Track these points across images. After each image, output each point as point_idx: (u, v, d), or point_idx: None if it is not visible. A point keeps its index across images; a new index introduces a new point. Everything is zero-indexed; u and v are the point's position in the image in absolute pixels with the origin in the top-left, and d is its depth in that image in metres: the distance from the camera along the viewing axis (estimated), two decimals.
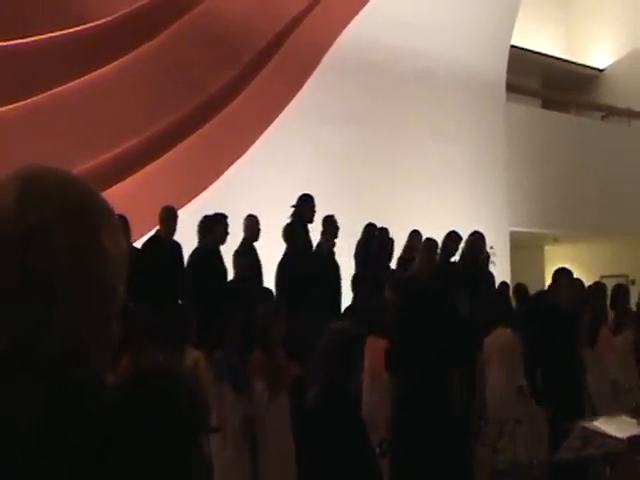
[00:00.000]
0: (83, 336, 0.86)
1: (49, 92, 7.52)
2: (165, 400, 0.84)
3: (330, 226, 7.45)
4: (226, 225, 6.91)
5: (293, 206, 7.38)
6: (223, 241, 6.92)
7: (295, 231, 7.19)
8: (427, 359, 4.48)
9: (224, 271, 6.80)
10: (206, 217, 6.88)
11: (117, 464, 0.79)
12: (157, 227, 7.65)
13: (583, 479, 5.20)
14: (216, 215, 6.90)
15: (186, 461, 0.84)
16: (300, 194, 7.47)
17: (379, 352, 5.09)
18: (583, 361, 5.96)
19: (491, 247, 8.44)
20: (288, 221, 7.30)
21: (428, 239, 7.80)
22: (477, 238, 7.62)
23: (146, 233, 7.79)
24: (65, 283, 0.84)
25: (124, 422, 0.81)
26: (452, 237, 7.73)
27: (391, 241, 8.07)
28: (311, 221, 7.40)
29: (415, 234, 8.15)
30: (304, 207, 7.35)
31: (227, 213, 7.07)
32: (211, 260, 6.72)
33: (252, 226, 7.21)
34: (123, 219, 6.45)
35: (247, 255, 6.97)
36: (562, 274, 5.83)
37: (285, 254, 7.11)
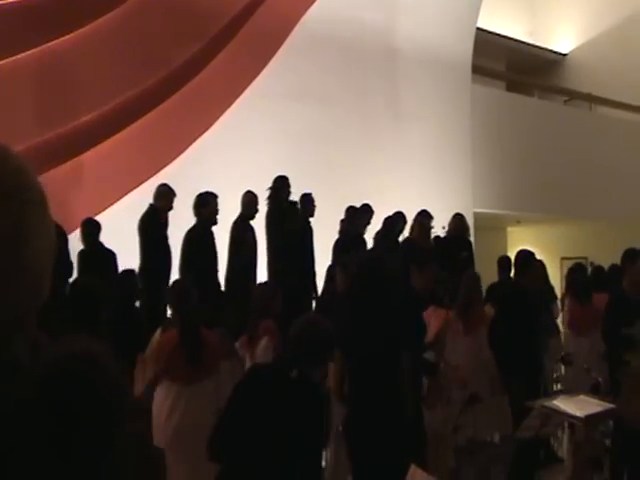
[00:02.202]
0: (4, 321, 0.81)
1: (5, 60, 7.30)
2: (83, 386, 0.81)
3: (308, 204, 7.60)
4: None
5: (269, 188, 7.42)
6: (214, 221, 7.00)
7: (274, 215, 7.32)
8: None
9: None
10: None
11: (32, 449, 0.75)
12: (117, 202, 7.62)
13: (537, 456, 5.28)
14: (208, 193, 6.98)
15: (102, 448, 0.80)
16: (275, 176, 7.50)
17: (440, 320, 5.60)
18: (543, 342, 6.05)
19: (443, 227, 8.64)
20: (266, 205, 7.40)
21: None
22: (462, 217, 8.43)
23: (106, 207, 7.69)
24: None
25: (41, 408, 0.77)
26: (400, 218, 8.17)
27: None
28: (286, 201, 7.47)
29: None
30: (281, 189, 7.42)
31: (190, 191, 7.06)
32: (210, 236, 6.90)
33: (249, 202, 7.28)
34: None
35: (247, 232, 7.13)
36: (527, 256, 5.86)
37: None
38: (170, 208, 6.91)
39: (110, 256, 6.70)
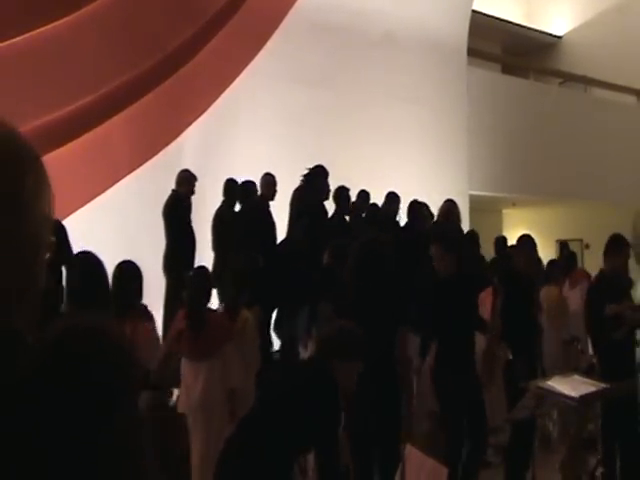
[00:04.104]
0: (2, 293, 0.80)
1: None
2: (88, 362, 0.80)
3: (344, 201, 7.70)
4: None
5: (305, 175, 7.49)
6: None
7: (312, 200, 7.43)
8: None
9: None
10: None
11: (34, 425, 0.74)
12: (112, 186, 7.64)
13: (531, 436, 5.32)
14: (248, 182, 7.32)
15: (106, 425, 0.79)
16: (314, 165, 7.53)
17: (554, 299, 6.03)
18: (539, 325, 6.10)
19: None
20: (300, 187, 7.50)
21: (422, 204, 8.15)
22: (450, 203, 8.09)
23: (100, 193, 7.69)
24: None
25: (44, 383, 0.76)
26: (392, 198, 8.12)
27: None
28: (323, 192, 7.51)
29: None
30: (319, 180, 7.46)
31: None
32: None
33: (268, 185, 7.43)
34: None
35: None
36: (524, 241, 5.92)
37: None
38: (192, 193, 7.11)
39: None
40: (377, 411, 4.15)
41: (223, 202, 7.32)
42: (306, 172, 7.48)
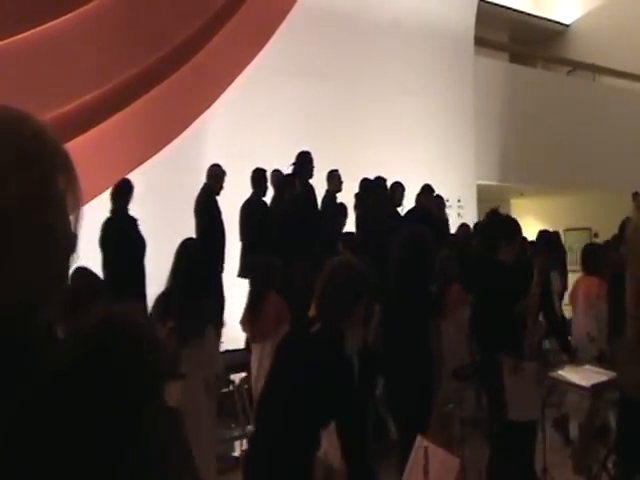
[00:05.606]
0: (34, 288, 0.81)
1: (5, 41, 7.26)
2: (119, 353, 0.80)
3: (334, 179, 7.92)
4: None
5: (293, 164, 7.61)
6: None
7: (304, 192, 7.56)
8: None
9: None
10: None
11: (65, 418, 0.74)
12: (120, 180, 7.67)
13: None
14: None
15: (138, 416, 0.79)
16: (299, 151, 7.64)
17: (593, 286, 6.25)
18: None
19: (458, 200, 8.59)
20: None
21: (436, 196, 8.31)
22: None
23: (110, 185, 7.70)
24: (16, 232, 0.78)
25: (75, 376, 0.76)
26: (397, 188, 8.20)
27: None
28: (311, 176, 7.64)
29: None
30: (305, 164, 7.59)
31: (194, 166, 7.13)
32: None
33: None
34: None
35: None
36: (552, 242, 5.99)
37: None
38: (222, 188, 7.16)
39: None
40: (412, 390, 4.24)
41: (253, 193, 7.39)
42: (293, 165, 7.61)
